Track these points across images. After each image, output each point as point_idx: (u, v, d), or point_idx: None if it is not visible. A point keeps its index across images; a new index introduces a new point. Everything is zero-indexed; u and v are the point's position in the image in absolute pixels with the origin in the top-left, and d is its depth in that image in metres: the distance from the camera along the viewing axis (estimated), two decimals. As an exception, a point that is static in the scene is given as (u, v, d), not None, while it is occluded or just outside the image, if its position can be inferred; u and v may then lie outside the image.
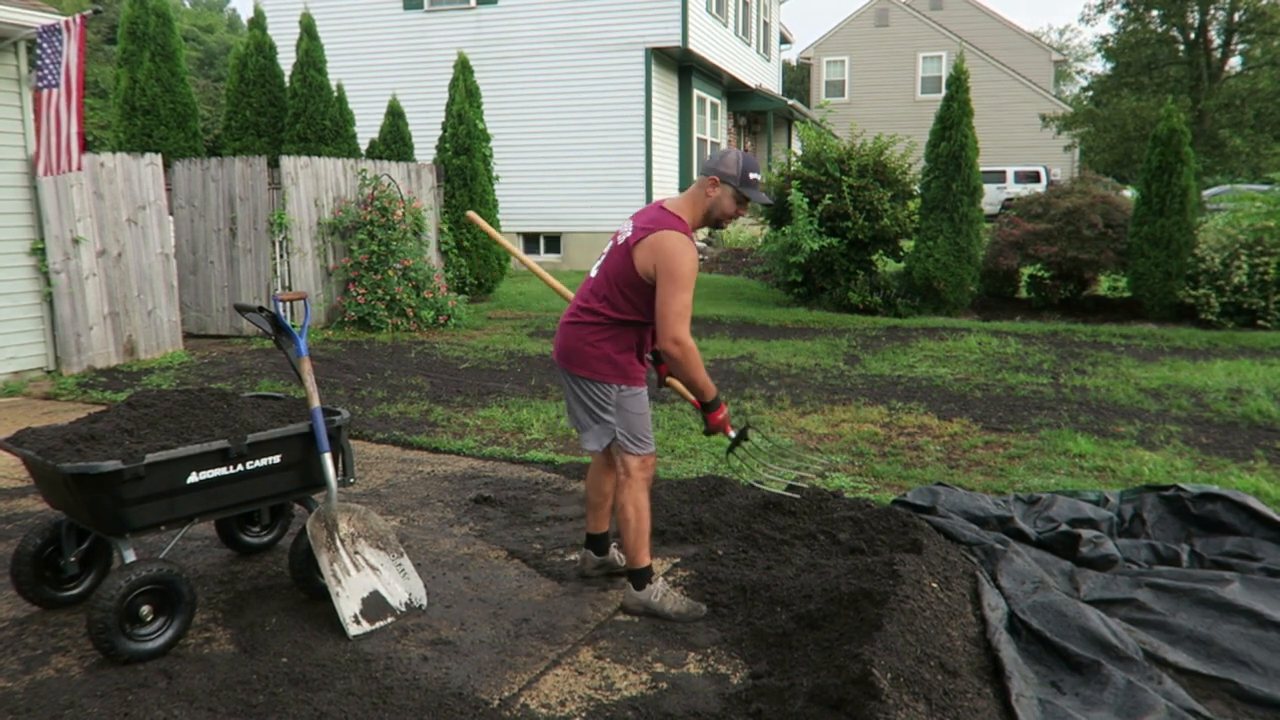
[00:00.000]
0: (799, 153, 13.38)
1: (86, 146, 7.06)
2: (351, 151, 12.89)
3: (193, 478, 3.34)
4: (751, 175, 3.47)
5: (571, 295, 3.82)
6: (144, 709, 2.90)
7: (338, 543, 3.57)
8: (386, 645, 3.36)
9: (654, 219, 3.44)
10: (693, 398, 3.72)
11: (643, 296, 3.42)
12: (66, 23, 6.80)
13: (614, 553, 3.94)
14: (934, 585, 3.52)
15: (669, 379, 3.73)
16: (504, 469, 5.61)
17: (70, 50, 6.71)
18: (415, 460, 5.82)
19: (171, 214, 10.11)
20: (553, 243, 18.33)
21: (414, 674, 3.15)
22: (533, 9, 17.65)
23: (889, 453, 5.94)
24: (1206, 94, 25.59)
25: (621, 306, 3.46)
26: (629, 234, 3.47)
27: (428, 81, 17.03)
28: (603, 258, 3.58)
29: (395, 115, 13.40)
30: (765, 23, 24.38)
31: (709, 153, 20.31)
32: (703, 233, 20.23)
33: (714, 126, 20.69)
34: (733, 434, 3.72)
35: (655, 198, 17.33)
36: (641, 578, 3.60)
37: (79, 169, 6.99)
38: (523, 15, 17.71)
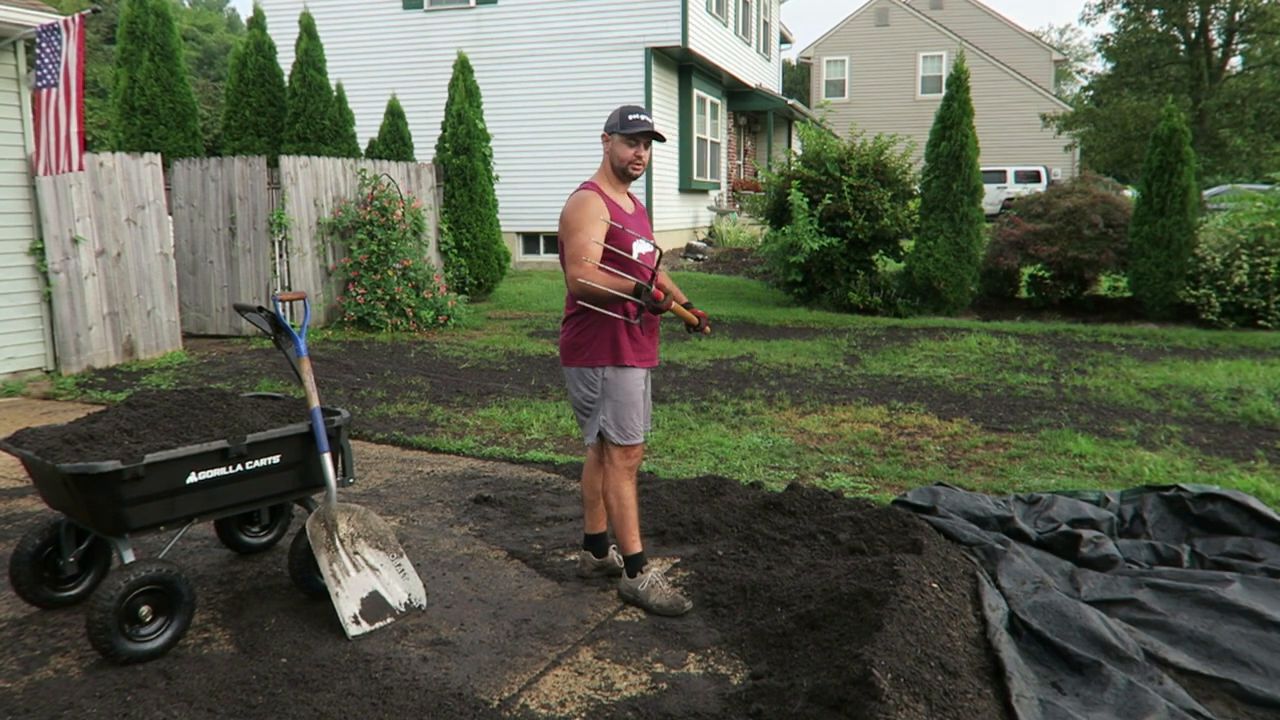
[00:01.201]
0: (799, 152, 13.38)
1: (86, 146, 7.05)
2: (351, 151, 12.89)
3: (192, 478, 3.33)
4: (630, 116, 3.59)
5: None
6: (143, 709, 2.89)
7: (337, 543, 3.57)
8: (386, 645, 3.35)
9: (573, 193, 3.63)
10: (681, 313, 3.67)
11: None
12: (65, 22, 6.80)
13: (613, 554, 3.94)
14: (934, 585, 3.51)
15: (661, 308, 3.56)
16: (504, 469, 5.61)
17: (69, 50, 6.70)
18: (415, 460, 5.81)
19: (171, 214, 10.11)
20: (553, 243, 18.32)
21: (414, 674, 3.15)
22: (532, 9, 17.64)
23: (889, 453, 5.94)
24: (1207, 93, 25.59)
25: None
26: None
27: (428, 81, 17.02)
28: None
29: (395, 115, 13.39)
30: (765, 22, 24.38)
31: (709, 152, 20.35)
32: (703, 233, 20.24)
33: (714, 126, 20.68)
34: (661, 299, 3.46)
35: (656, 198, 17.41)
36: (633, 564, 3.69)
37: (80, 169, 6.99)
38: (522, 15, 17.70)
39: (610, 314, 3.46)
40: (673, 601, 3.61)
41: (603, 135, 3.66)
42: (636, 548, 3.68)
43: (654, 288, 3.34)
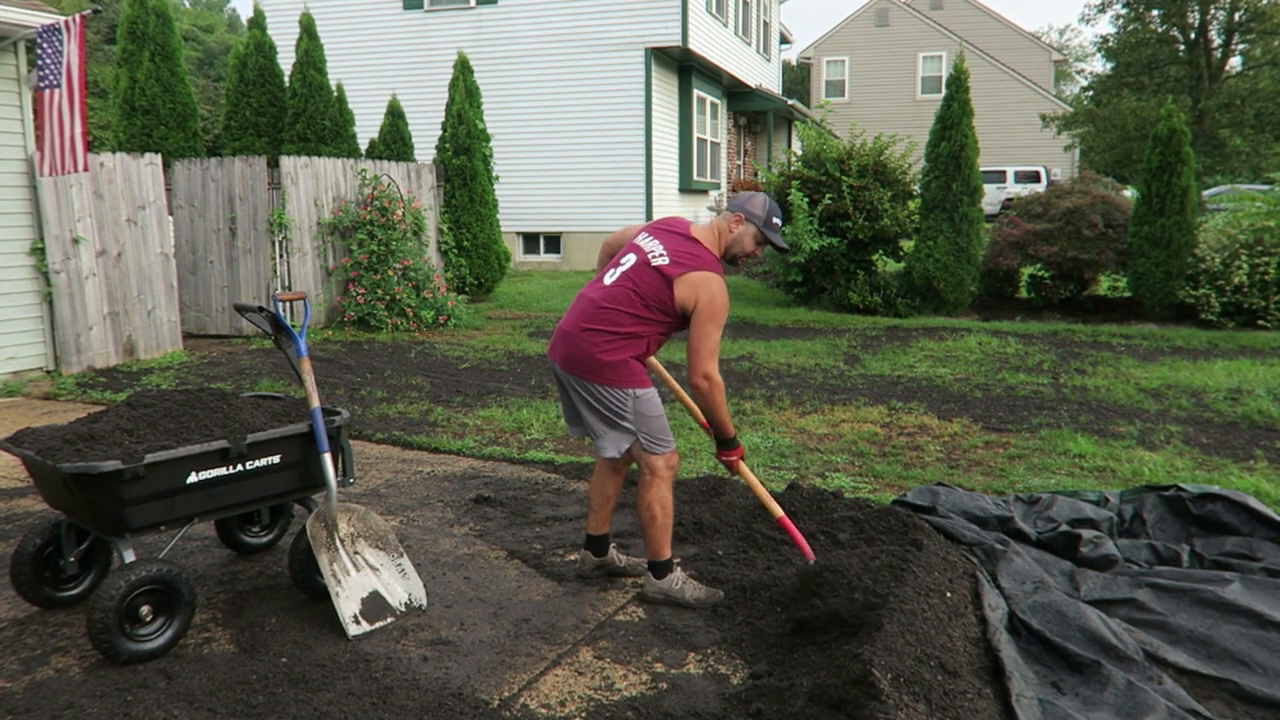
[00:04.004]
0: (799, 152, 13.38)
1: (88, 146, 7.05)
2: (351, 151, 12.89)
3: (192, 478, 3.33)
4: (775, 220, 3.63)
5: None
6: (144, 709, 2.90)
7: (337, 543, 3.57)
8: (386, 645, 3.35)
9: (691, 253, 3.52)
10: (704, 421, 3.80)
11: (672, 317, 3.53)
12: (66, 22, 6.80)
13: (612, 554, 3.94)
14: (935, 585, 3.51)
15: (731, 469, 3.73)
16: (504, 469, 5.61)
17: (71, 50, 6.71)
18: (415, 460, 5.81)
19: (171, 214, 10.11)
20: (552, 243, 18.34)
21: (414, 674, 3.15)
22: (533, 9, 17.65)
23: (889, 453, 5.94)
24: (1207, 94, 25.59)
25: (648, 319, 3.51)
26: (664, 261, 3.50)
27: (428, 81, 17.02)
28: (621, 269, 3.57)
29: (395, 115, 13.39)
30: (765, 22, 24.38)
31: (709, 152, 20.35)
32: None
33: (714, 126, 20.69)
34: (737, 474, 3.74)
35: (655, 197, 17.42)
36: (663, 568, 3.69)
37: (85, 169, 6.98)
38: (523, 15, 17.70)
39: (644, 351, 3.57)
40: (708, 594, 3.67)
41: (736, 215, 3.61)
42: (669, 553, 3.70)
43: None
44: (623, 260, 3.60)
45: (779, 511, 3.71)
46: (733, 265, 3.71)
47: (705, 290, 3.44)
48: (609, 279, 3.58)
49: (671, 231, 3.60)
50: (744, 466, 3.69)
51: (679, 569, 3.76)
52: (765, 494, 3.74)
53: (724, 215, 3.66)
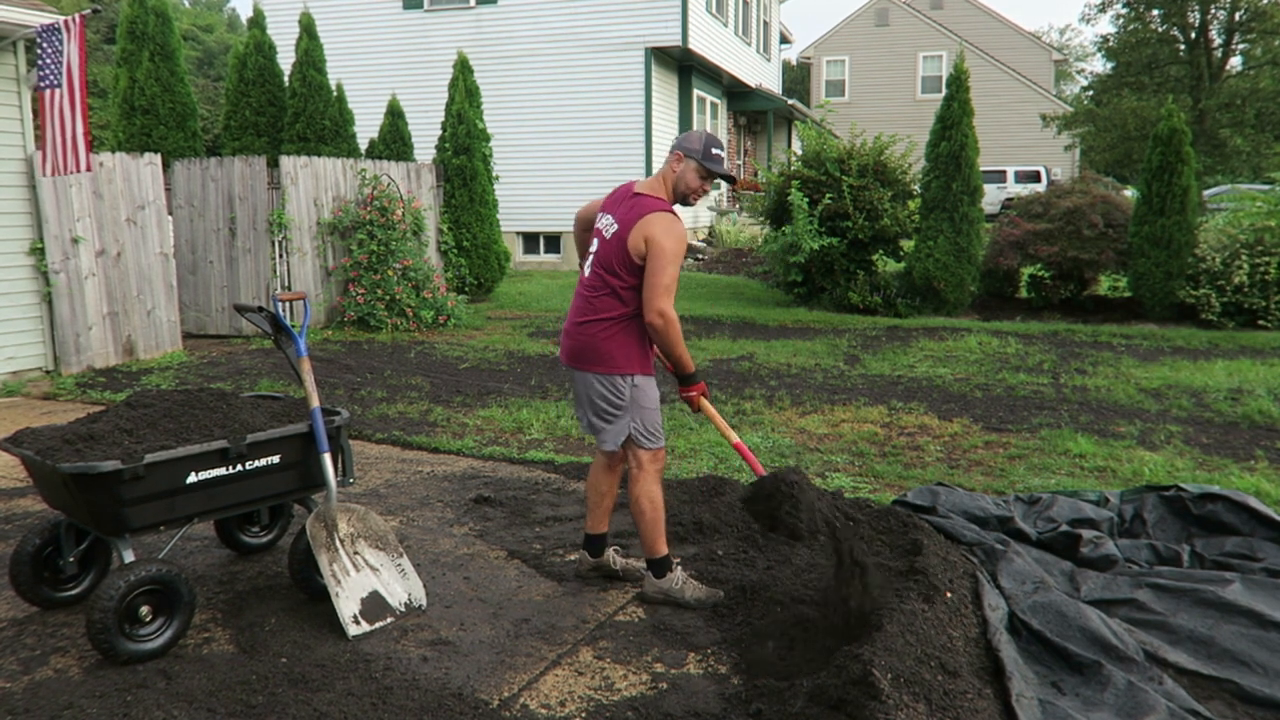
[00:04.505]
0: (799, 152, 13.38)
1: (90, 146, 7.05)
2: (351, 151, 12.89)
3: (192, 478, 3.33)
4: (714, 150, 3.59)
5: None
6: (143, 709, 2.89)
7: (337, 543, 3.57)
8: (386, 645, 3.35)
9: (635, 206, 3.53)
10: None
11: (636, 289, 3.51)
12: (66, 22, 6.79)
13: (609, 555, 3.93)
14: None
15: (692, 404, 3.71)
16: (504, 469, 5.61)
17: (71, 50, 6.70)
18: (415, 460, 5.81)
19: (170, 214, 10.11)
20: (552, 242, 18.33)
21: (414, 674, 3.15)
22: (532, 9, 17.64)
23: (889, 453, 5.94)
24: (1207, 93, 25.58)
25: (627, 299, 3.52)
26: (615, 228, 3.54)
27: (427, 81, 17.02)
28: (591, 256, 3.64)
29: (395, 115, 13.39)
30: (765, 22, 24.38)
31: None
32: (703, 233, 20.24)
33: (714, 126, 20.68)
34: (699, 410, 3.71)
35: (655, 197, 17.42)
36: (661, 566, 3.68)
37: (88, 169, 6.98)
38: (522, 15, 17.70)
39: (643, 335, 3.55)
40: (708, 593, 3.66)
41: (676, 153, 3.60)
42: (665, 550, 3.69)
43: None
44: (591, 247, 3.67)
45: (735, 438, 3.67)
46: (685, 204, 3.66)
47: (654, 226, 3.44)
48: (586, 270, 3.66)
49: (619, 199, 3.63)
50: (705, 402, 3.66)
51: (679, 569, 3.75)
52: (723, 424, 3.69)
53: (667, 159, 3.67)
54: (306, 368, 3.76)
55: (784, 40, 29.34)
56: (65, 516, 3.55)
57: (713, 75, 20.07)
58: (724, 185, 21.58)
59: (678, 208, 3.64)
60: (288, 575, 3.81)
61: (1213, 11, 26.02)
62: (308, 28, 12.86)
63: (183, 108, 13.21)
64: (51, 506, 3.61)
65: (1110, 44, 28.55)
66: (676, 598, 3.66)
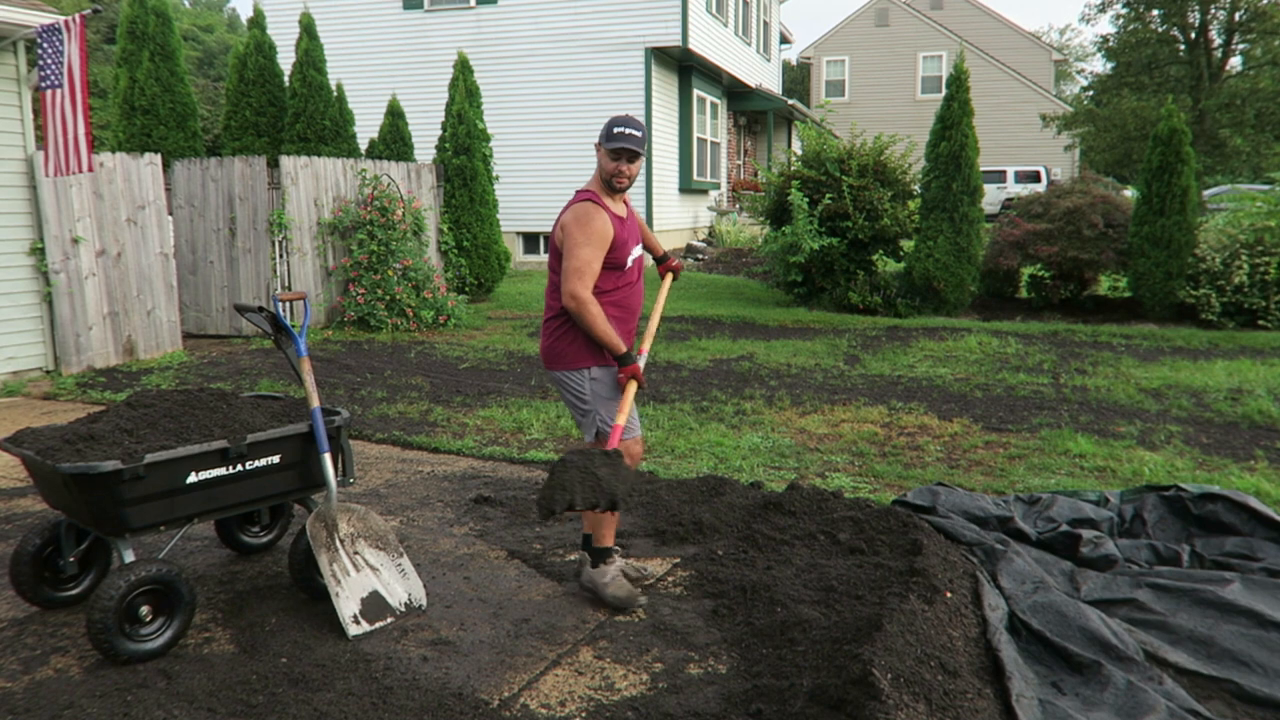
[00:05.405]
0: (799, 152, 13.38)
1: (92, 146, 7.06)
2: (351, 151, 12.88)
3: (192, 478, 3.33)
4: (615, 130, 3.60)
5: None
6: (143, 709, 2.90)
7: (337, 543, 3.57)
8: (386, 645, 3.35)
9: (569, 202, 3.67)
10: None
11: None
12: (66, 22, 6.80)
13: (609, 553, 3.93)
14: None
15: (639, 380, 3.60)
16: (504, 469, 5.61)
17: (71, 50, 6.71)
18: (415, 460, 5.81)
19: (171, 214, 10.11)
20: (553, 243, 18.30)
21: (414, 674, 3.15)
22: (532, 9, 17.64)
23: (889, 453, 5.94)
24: (1207, 94, 25.56)
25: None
26: (553, 230, 3.69)
27: (428, 81, 17.02)
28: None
29: (395, 115, 13.39)
30: (765, 22, 24.38)
31: (709, 152, 20.34)
32: (703, 232, 20.24)
33: (714, 126, 20.68)
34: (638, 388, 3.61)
35: (655, 197, 17.41)
36: (600, 556, 3.72)
37: (90, 169, 6.98)
38: (522, 15, 17.70)
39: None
40: (628, 595, 3.65)
41: (596, 145, 3.69)
42: (609, 542, 3.73)
43: (637, 359, 3.55)
44: None
45: (620, 421, 3.52)
46: (617, 189, 3.63)
47: (567, 214, 3.57)
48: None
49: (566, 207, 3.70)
50: (630, 386, 3.55)
51: (617, 562, 3.75)
52: (626, 405, 3.55)
53: None
54: (306, 368, 3.76)
55: (784, 40, 29.33)
56: (65, 516, 3.55)
57: (713, 75, 20.07)
58: (724, 186, 21.59)
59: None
60: (288, 575, 3.81)
61: (1213, 11, 25.99)
62: (308, 28, 12.86)
63: (183, 108, 13.21)
64: (51, 506, 3.61)
65: (1110, 44, 28.52)
66: (600, 592, 3.68)
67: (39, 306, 8.09)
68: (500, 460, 5.79)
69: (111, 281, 8.62)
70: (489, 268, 13.18)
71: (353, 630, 3.40)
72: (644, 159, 3.66)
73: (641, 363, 3.65)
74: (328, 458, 3.63)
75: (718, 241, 19.25)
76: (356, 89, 15.37)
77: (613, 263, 3.60)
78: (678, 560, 4.12)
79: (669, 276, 4.21)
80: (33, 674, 3.15)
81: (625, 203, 3.79)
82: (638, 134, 3.58)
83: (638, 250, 3.78)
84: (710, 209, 20.90)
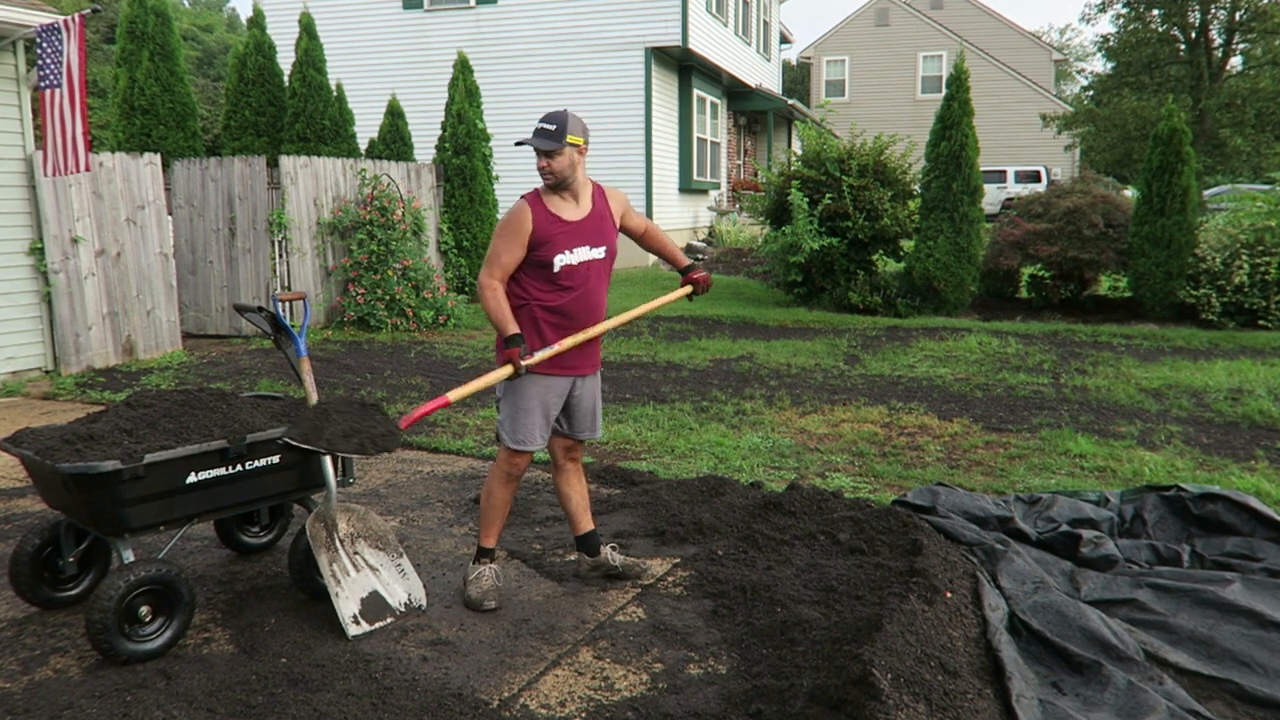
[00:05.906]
0: (799, 152, 13.38)
1: (90, 146, 7.06)
2: (351, 151, 12.88)
3: (192, 478, 3.33)
4: (536, 126, 3.56)
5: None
6: (143, 709, 2.89)
7: (337, 543, 3.56)
8: (386, 645, 3.35)
9: None
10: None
11: (518, 280, 3.58)
12: (65, 22, 6.79)
13: (605, 553, 3.92)
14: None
15: (516, 368, 3.48)
16: (504, 469, 5.60)
17: (71, 50, 6.70)
18: (415, 460, 5.81)
19: (170, 214, 10.11)
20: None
21: (413, 674, 3.14)
22: (532, 8, 17.64)
23: (889, 453, 5.94)
24: (1207, 93, 25.56)
25: (512, 290, 3.58)
26: None
27: (427, 81, 17.02)
28: None
29: (395, 115, 13.39)
30: (765, 22, 24.37)
31: (709, 152, 20.33)
32: (703, 232, 20.24)
33: (714, 126, 20.68)
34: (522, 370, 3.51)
35: (655, 197, 17.41)
36: (478, 555, 3.77)
37: (88, 169, 6.98)
38: (522, 15, 17.70)
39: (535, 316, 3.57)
40: (480, 596, 3.66)
41: None
42: (490, 543, 3.76)
43: (525, 353, 3.45)
44: None
45: (452, 398, 3.44)
46: (560, 186, 3.55)
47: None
48: None
49: None
50: (504, 369, 3.47)
51: (492, 565, 3.75)
52: (473, 388, 3.50)
53: None
54: (306, 368, 3.76)
55: (784, 40, 29.33)
56: (65, 516, 3.55)
57: (713, 75, 20.07)
58: (724, 185, 21.58)
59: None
60: (288, 575, 3.81)
61: (1213, 11, 25.99)
62: (308, 28, 12.86)
63: (183, 108, 13.21)
64: (51, 506, 3.61)
65: (1110, 44, 28.53)
66: (463, 586, 3.73)
67: (38, 306, 8.08)
68: (500, 460, 5.78)
69: (111, 281, 8.62)
70: (489, 268, 13.15)
71: (352, 630, 3.39)
72: (576, 151, 3.47)
73: (538, 357, 3.50)
74: (327, 458, 3.63)
75: (718, 241, 19.25)
76: (356, 89, 15.37)
77: (537, 261, 3.51)
78: (678, 560, 4.12)
79: (685, 288, 3.96)
80: (32, 674, 3.15)
81: (593, 198, 3.65)
82: (549, 128, 3.48)
83: (588, 254, 3.58)
84: (710, 209, 20.90)
